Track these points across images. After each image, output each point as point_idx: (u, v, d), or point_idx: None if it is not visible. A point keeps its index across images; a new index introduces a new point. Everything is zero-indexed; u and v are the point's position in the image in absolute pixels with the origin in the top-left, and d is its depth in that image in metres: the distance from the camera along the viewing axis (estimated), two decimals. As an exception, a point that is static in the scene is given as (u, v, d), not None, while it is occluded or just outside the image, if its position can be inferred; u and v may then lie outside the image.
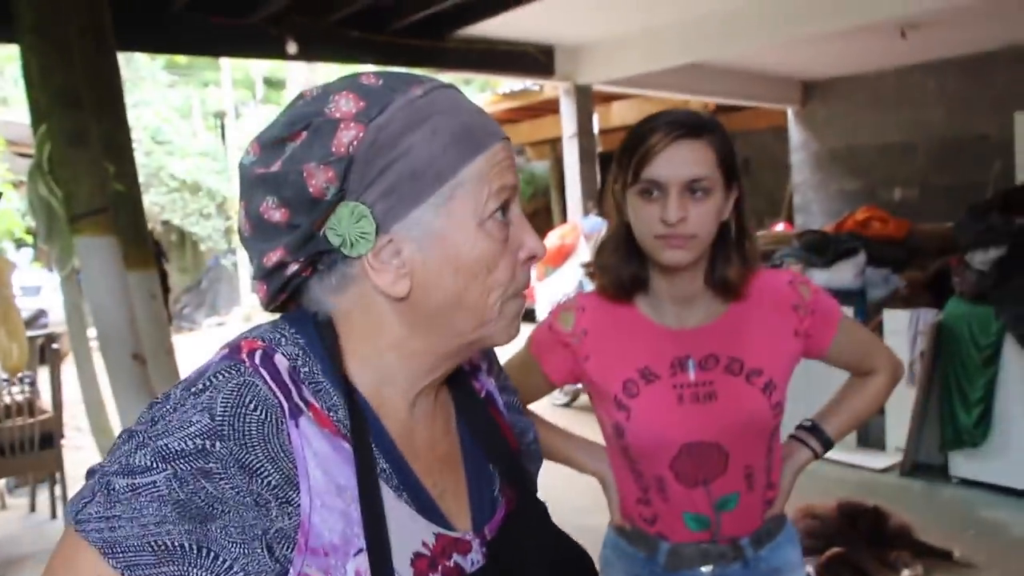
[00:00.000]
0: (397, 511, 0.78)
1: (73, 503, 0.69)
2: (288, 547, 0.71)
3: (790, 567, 1.57)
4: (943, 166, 8.39)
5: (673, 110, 1.41)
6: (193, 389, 0.72)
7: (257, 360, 0.75)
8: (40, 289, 11.69)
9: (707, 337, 1.47)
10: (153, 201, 14.47)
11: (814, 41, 6.88)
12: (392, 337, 0.81)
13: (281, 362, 0.77)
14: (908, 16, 6.13)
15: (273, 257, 0.78)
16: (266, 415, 0.72)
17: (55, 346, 4.61)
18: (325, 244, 0.77)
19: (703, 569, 1.50)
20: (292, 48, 5.99)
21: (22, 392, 4.44)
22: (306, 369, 0.78)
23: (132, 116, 4.12)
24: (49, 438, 4.46)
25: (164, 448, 0.68)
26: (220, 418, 0.70)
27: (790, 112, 9.57)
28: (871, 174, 8.99)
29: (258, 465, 0.70)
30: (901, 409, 4.81)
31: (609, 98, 10.24)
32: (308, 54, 6.37)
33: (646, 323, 1.50)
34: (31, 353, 4.66)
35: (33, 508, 4.96)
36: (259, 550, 0.70)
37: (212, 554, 0.68)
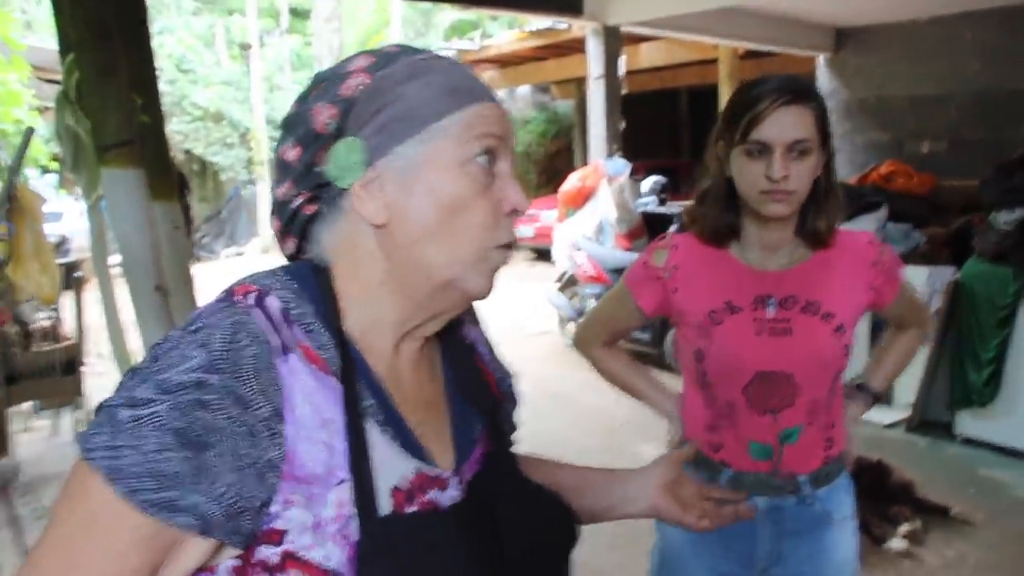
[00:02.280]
0: (380, 445, 0.84)
1: (82, 435, 0.74)
2: (275, 475, 0.76)
3: (842, 513, 1.69)
4: (976, 121, 8.24)
5: (777, 76, 1.55)
6: (190, 328, 0.78)
7: (251, 301, 0.81)
8: (62, 215, 11.79)
9: (789, 280, 1.63)
10: (175, 130, 14.49)
11: (848, -12, 6.73)
12: (376, 273, 0.88)
13: (273, 303, 0.83)
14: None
15: (282, 190, 0.89)
16: (258, 350, 0.77)
17: (78, 273, 4.69)
18: (324, 177, 0.86)
19: (760, 500, 1.63)
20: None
21: (48, 318, 4.53)
22: (298, 311, 0.84)
23: (155, 44, 4.12)
24: (72, 364, 4.56)
25: (165, 381, 0.74)
26: (216, 352, 0.76)
27: (821, 60, 9.40)
28: (900, 126, 8.85)
29: (251, 397, 0.76)
30: (912, 366, 4.82)
31: (638, 39, 10.09)
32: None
33: (734, 263, 1.66)
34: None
35: (56, 431, 5.11)
36: (251, 477, 0.75)
37: (209, 479, 0.73)
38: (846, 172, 8.69)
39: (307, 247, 0.91)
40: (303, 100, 0.89)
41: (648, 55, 10.93)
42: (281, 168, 0.89)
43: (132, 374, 0.77)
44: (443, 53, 0.95)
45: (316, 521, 0.78)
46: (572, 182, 7.34)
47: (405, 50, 0.90)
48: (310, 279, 0.88)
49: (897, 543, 3.52)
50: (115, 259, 3.71)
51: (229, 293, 0.83)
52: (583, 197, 7.19)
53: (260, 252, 15.19)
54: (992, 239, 4.65)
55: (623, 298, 1.78)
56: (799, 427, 1.61)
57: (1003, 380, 4.56)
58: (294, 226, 0.90)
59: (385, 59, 0.88)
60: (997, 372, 4.56)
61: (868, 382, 1.83)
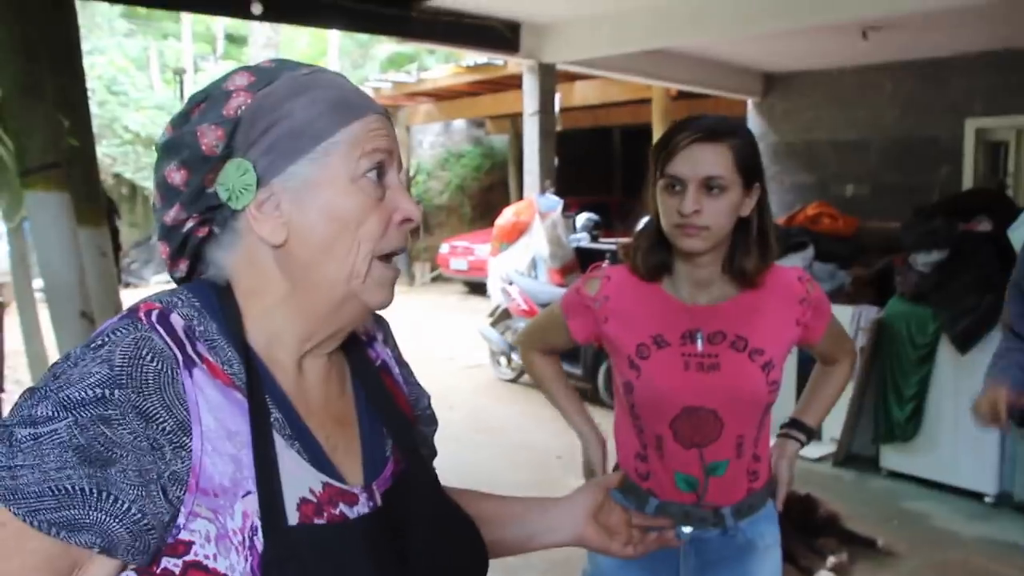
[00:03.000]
0: (287, 458, 0.83)
1: None
2: (180, 489, 0.76)
3: (765, 542, 1.71)
4: (894, 166, 8.56)
5: (705, 116, 1.60)
6: (92, 345, 0.78)
7: (153, 318, 0.82)
8: (-18, 237, 11.40)
9: (718, 315, 1.64)
10: (105, 153, 14.15)
11: (778, 35, 6.96)
12: (276, 292, 0.89)
13: (176, 321, 0.83)
14: (871, 18, 6.23)
15: (171, 214, 0.87)
16: (162, 366, 0.77)
17: (-1, 298, 4.53)
18: (215, 199, 0.85)
19: (685, 529, 1.65)
20: (257, 9, 5.89)
21: (-37, 343, 4.36)
22: (201, 328, 0.84)
23: (86, 64, 4.02)
24: (-11, 390, 4.40)
25: (66, 398, 0.73)
26: (118, 368, 0.75)
27: (750, 103, 9.68)
28: (825, 169, 9.15)
29: (154, 411, 0.75)
30: (838, 402, 4.94)
31: (573, 77, 10.25)
32: (273, 15, 6.28)
33: (664, 297, 1.68)
34: (-26, 304, 4.58)
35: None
36: (155, 492, 0.75)
37: (112, 496, 0.72)
38: (775, 212, 8.91)
39: (202, 268, 0.92)
40: (182, 122, 0.87)
41: (582, 93, 11.11)
42: (167, 192, 0.87)
43: (31, 393, 0.76)
44: (326, 68, 0.94)
45: (221, 532, 0.78)
46: (506, 217, 7.39)
47: (284, 65, 0.90)
48: (211, 297, 0.88)
49: (825, 575, 3.57)
50: (38, 283, 3.60)
51: (133, 311, 0.83)
52: (517, 232, 7.24)
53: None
54: (912, 280, 4.80)
55: (557, 319, 1.81)
56: (726, 461, 1.64)
57: (925, 415, 4.69)
58: (186, 249, 0.90)
59: (266, 76, 0.88)
60: (919, 408, 4.69)
61: (802, 419, 1.84)
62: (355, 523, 0.86)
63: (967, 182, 7.91)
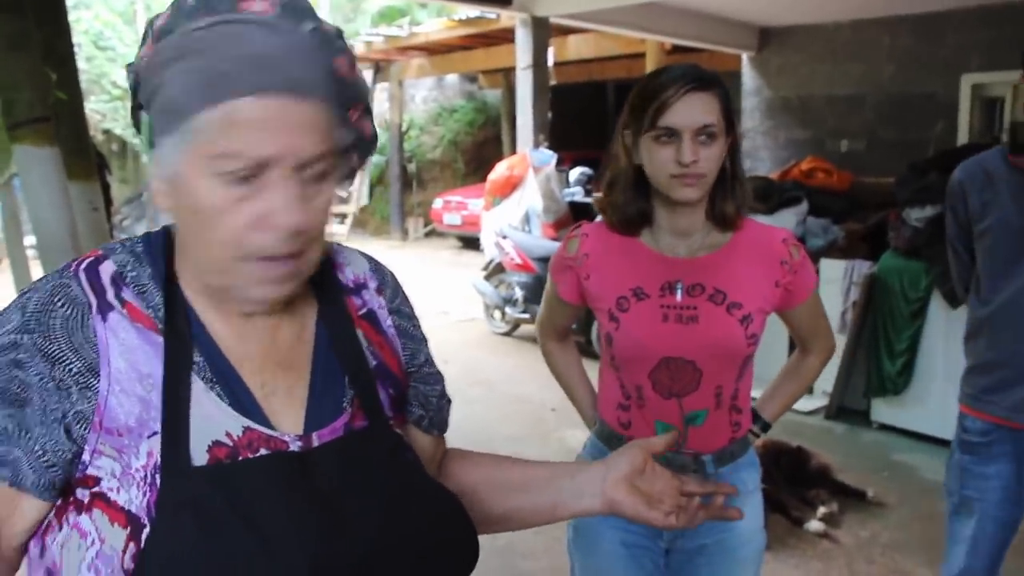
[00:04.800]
0: (205, 402, 0.83)
1: None
2: (85, 427, 0.79)
3: (746, 488, 1.72)
4: (890, 121, 8.52)
5: (679, 64, 1.60)
6: (22, 293, 0.83)
7: (81, 267, 0.85)
8: (-28, 194, 11.31)
9: (697, 267, 1.65)
10: (94, 109, 14.01)
11: (772, -12, 6.88)
12: (190, 251, 0.86)
13: (107, 268, 0.85)
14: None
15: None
16: (71, 311, 0.81)
17: (-10, 254, 4.51)
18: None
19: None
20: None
21: (-45, 299, 4.35)
22: (133, 273, 0.86)
23: (72, 19, 3.96)
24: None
25: None
26: (29, 314, 0.80)
27: (745, 58, 9.59)
28: (820, 124, 9.09)
29: (60, 354, 0.79)
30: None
31: (566, 31, 10.14)
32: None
33: (644, 250, 1.69)
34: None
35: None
36: (57, 430, 0.79)
37: (28, 434, 0.78)
38: (768, 167, 8.89)
39: None
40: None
41: (576, 47, 10.99)
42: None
43: None
44: (246, 12, 0.79)
45: (125, 469, 0.80)
46: (499, 171, 7.35)
47: (197, 9, 0.79)
48: (157, 244, 0.89)
49: (815, 525, 3.63)
50: (30, 240, 3.58)
51: (75, 260, 0.86)
52: (510, 186, 7.21)
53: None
54: (906, 235, 4.80)
55: (551, 290, 1.84)
56: (704, 411, 1.66)
57: (916, 369, 4.74)
58: None
59: (173, 22, 0.80)
60: (910, 362, 4.73)
61: (760, 412, 1.84)
62: (266, 460, 0.83)
63: (963, 138, 7.87)
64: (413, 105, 16.22)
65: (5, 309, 0.82)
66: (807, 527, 3.63)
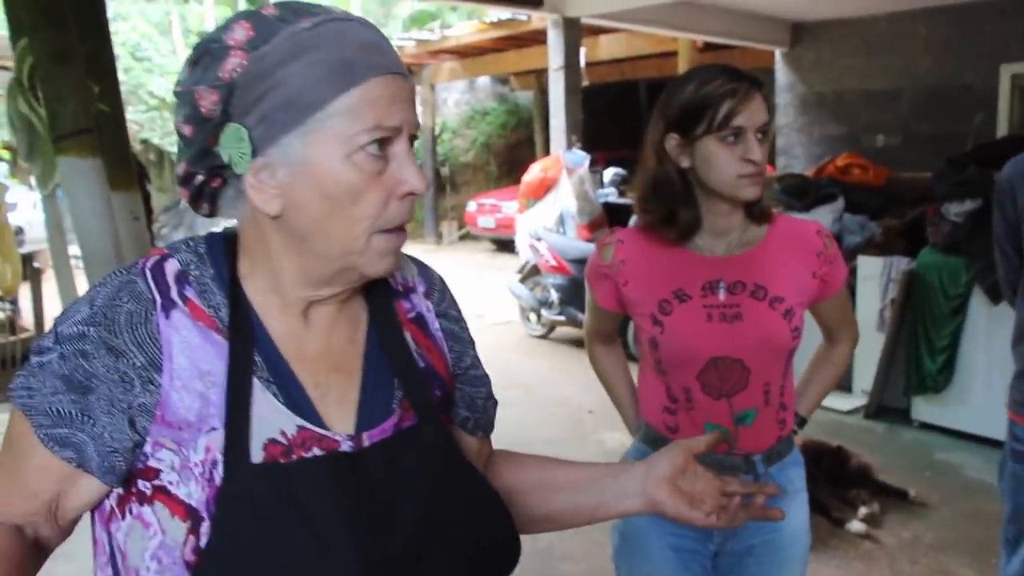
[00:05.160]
0: (262, 400, 0.86)
1: (15, 375, 0.87)
2: (147, 419, 0.84)
3: (795, 487, 1.74)
4: (927, 115, 8.40)
5: (718, 65, 1.61)
6: (93, 287, 0.87)
7: (149, 264, 0.88)
8: (16, 205, 11.51)
9: (737, 265, 1.66)
10: (132, 119, 14.21)
11: (804, -17, 6.82)
12: (274, 252, 0.90)
13: (171, 266, 0.89)
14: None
15: (181, 167, 0.90)
16: (136, 307, 0.85)
17: (36, 265, 4.61)
18: (218, 159, 0.86)
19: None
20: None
21: (3, 310, 4.45)
22: (196, 273, 0.89)
23: (110, 31, 4.04)
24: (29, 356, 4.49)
25: (59, 332, 0.84)
26: (96, 308, 0.84)
27: (777, 54, 9.51)
28: (855, 120, 8.99)
29: (124, 348, 0.83)
30: (869, 354, 4.93)
31: (597, 31, 10.12)
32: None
33: (682, 252, 1.69)
34: (12, 271, 4.66)
35: (13, 423, 5.01)
36: (122, 420, 0.83)
37: (91, 420, 0.83)
38: (803, 164, 8.81)
39: (220, 212, 0.94)
40: (188, 71, 0.86)
41: (608, 47, 10.97)
42: (181, 141, 0.89)
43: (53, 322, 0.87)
44: (335, 11, 0.87)
45: (184, 463, 0.84)
46: (533, 173, 7.35)
47: (287, 16, 0.84)
48: (219, 245, 0.92)
49: (856, 525, 3.59)
50: (74, 250, 3.65)
51: (142, 257, 0.90)
52: (544, 188, 7.21)
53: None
54: (945, 230, 4.74)
55: (590, 297, 1.85)
56: (754, 410, 1.67)
57: (957, 367, 4.67)
58: (204, 196, 0.92)
59: (264, 32, 0.83)
60: (951, 359, 4.67)
61: (796, 407, 1.83)
62: (320, 460, 0.87)
63: (1002, 130, 7.74)
64: (445, 108, 16.28)
65: (77, 301, 0.86)
66: (848, 528, 3.59)
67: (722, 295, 1.65)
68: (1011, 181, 2.17)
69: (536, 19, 9.04)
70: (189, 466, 0.84)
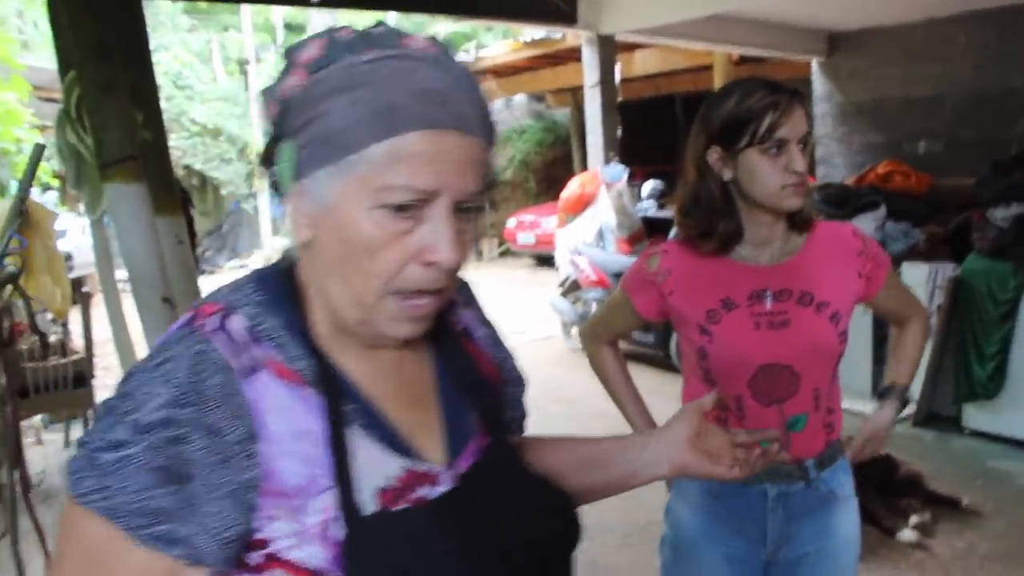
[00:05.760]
0: (364, 448, 0.83)
1: (71, 480, 0.76)
2: (254, 495, 0.78)
3: (844, 491, 1.75)
4: (970, 120, 8.28)
5: (758, 79, 1.63)
6: (155, 362, 0.79)
7: (214, 324, 0.81)
8: (66, 232, 11.78)
9: (780, 273, 1.67)
10: (174, 146, 14.51)
11: (839, -8, 6.78)
12: (321, 285, 0.85)
13: (238, 323, 0.82)
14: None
15: (265, 148, 0.86)
16: (222, 378, 0.78)
17: (84, 288, 4.71)
18: (276, 173, 0.84)
19: (769, 486, 1.68)
20: (315, -4, 5.96)
21: (55, 333, 4.56)
22: (265, 326, 0.83)
23: (153, 61, 4.15)
24: (81, 377, 4.60)
25: (137, 422, 0.75)
26: (179, 387, 0.76)
27: (814, 64, 9.45)
28: (896, 128, 8.89)
29: (219, 425, 0.76)
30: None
31: (632, 47, 10.13)
32: (331, 1, 6.34)
33: (726, 263, 1.71)
34: (64, 296, 4.78)
35: (67, 443, 5.12)
36: (231, 502, 0.76)
37: (195, 511, 0.75)
38: (844, 173, 8.72)
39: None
40: (278, 75, 0.84)
41: (643, 62, 10.97)
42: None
43: (106, 412, 0.78)
44: (409, 47, 0.81)
45: (300, 528, 0.79)
46: (572, 189, 7.37)
47: (356, 44, 0.80)
48: (277, 287, 0.86)
49: (908, 535, 3.53)
50: (121, 274, 3.73)
51: (192, 317, 0.82)
52: (583, 203, 7.22)
53: (264, 263, 15.19)
54: (991, 235, 4.68)
55: (622, 302, 1.84)
56: (805, 415, 1.67)
57: (1008, 373, 4.58)
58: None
59: (330, 55, 0.79)
60: (1002, 365, 4.58)
61: (895, 381, 1.85)
62: (434, 504, 0.85)
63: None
64: (482, 127, 16.35)
65: (143, 381, 0.78)
66: (899, 537, 3.53)
67: (769, 303, 1.66)
68: None
69: (571, 37, 9.07)
70: (306, 531, 0.79)
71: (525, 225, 13.08)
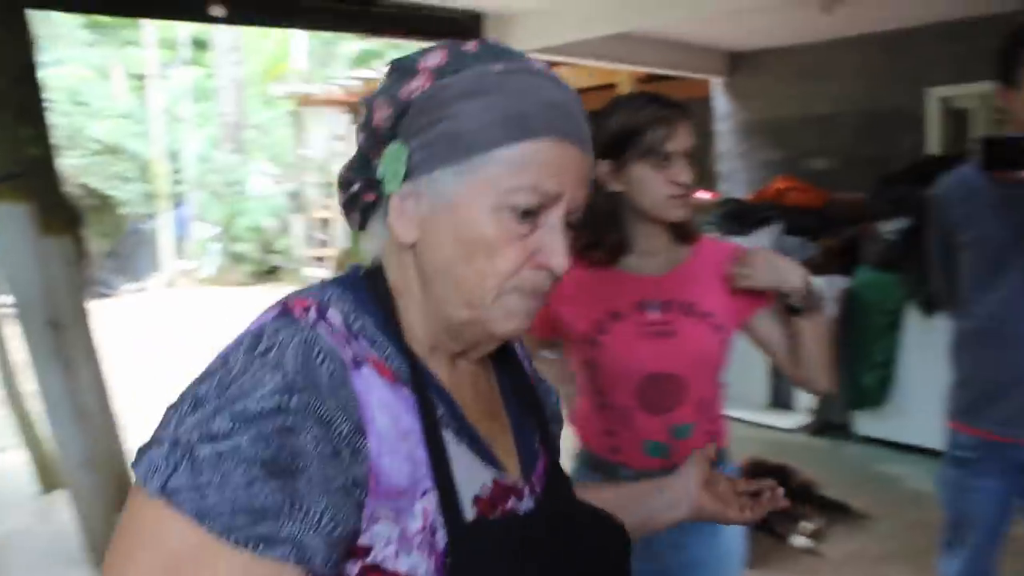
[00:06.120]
0: (458, 455, 0.81)
1: (151, 475, 0.68)
2: (362, 493, 0.74)
3: None
4: (863, 138, 8.59)
5: (646, 93, 1.71)
6: (257, 350, 0.73)
7: (312, 315, 0.79)
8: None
9: (667, 284, 1.71)
10: (72, 164, 14.05)
11: (740, 13, 6.98)
12: (416, 289, 0.85)
13: (335, 317, 0.80)
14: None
15: (343, 171, 0.88)
16: (333, 366, 0.74)
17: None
18: (375, 172, 0.84)
19: None
20: (217, 11, 5.86)
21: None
22: (359, 323, 0.81)
23: (49, 75, 4.03)
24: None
25: (243, 411, 0.69)
26: (293, 373, 0.72)
27: (716, 83, 9.71)
28: (794, 145, 9.17)
29: (331, 415, 0.72)
30: (830, 368, 5.01)
31: (539, 65, 10.23)
32: (235, 18, 6.23)
33: (613, 274, 1.74)
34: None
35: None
36: (340, 497, 0.71)
37: (303, 508, 0.69)
38: (744, 190, 8.97)
39: (366, 235, 0.90)
40: (382, 83, 0.85)
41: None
42: (356, 145, 0.87)
43: (195, 404, 0.71)
44: (534, 64, 0.84)
45: (402, 534, 0.76)
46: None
47: (484, 54, 0.82)
48: (362, 290, 0.85)
49: (800, 540, 3.64)
50: (4, 299, 3.60)
51: (286, 309, 0.80)
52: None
53: (165, 287, 14.80)
54: (879, 248, 4.87)
55: None
56: (692, 423, 1.71)
57: (895, 381, 4.77)
58: (355, 207, 0.89)
59: (456, 63, 0.81)
60: (889, 374, 4.77)
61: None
62: (525, 519, 0.86)
63: (932, 150, 7.97)
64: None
65: (245, 367, 0.72)
66: (792, 542, 3.64)
67: (655, 312, 1.70)
68: (942, 198, 2.25)
69: (477, 55, 9.11)
70: (408, 536, 0.76)
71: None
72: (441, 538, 0.77)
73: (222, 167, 15.83)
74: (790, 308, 1.67)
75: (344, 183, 0.89)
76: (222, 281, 14.65)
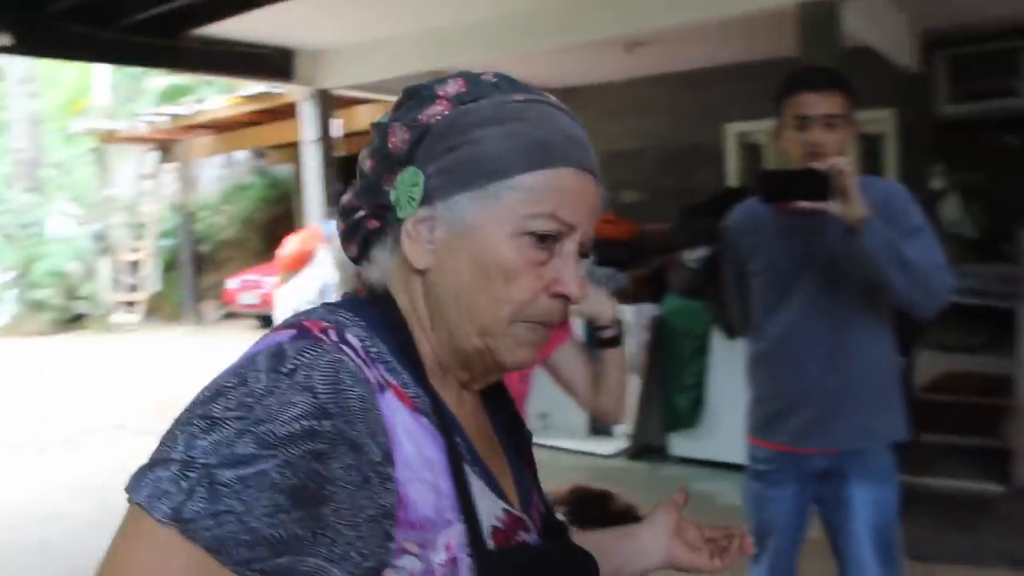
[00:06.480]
0: (475, 486, 0.80)
1: (157, 499, 0.64)
2: (390, 523, 0.71)
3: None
4: (668, 171, 9.07)
5: None
6: (282, 370, 0.69)
7: (334, 338, 0.75)
8: None
9: None
10: None
11: (548, 53, 7.21)
12: (426, 316, 0.84)
13: (355, 340, 0.77)
14: (632, 34, 6.56)
15: (347, 198, 0.87)
16: (362, 390, 0.72)
17: None
18: (385, 198, 0.83)
19: None
20: (5, 40, 5.48)
21: None
22: (375, 349, 0.78)
23: None
24: None
25: (269, 434, 0.65)
26: (323, 396, 0.68)
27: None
28: (604, 178, 9.29)
29: (362, 441, 0.69)
30: (628, 398, 5.17)
31: (355, 102, 10.19)
32: (24, 48, 5.84)
33: None
34: None
35: None
36: (370, 528, 0.69)
37: (328, 539, 0.67)
38: (560, 223, 9.23)
39: (367, 263, 0.88)
40: (393, 110, 0.85)
41: (369, 115, 11.05)
42: (359, 174, 0.86)
43: (210, 425, 0.66)
44: (550, 97, 0.86)
45: (426, 567, 0.74)
46: (289, 247, 7.26)
47: (503, 86, 0.83)
48: (373, 315, 0.83)
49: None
50: None
51: (304, 329, 0.76)
52: (302, 261, 7.11)
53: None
54: (684, 276, 5.11)
55: None
56: None
57: (705, 402, 5.00)
58: (356, 235, 0.88)
59: (477, 92, 0.82)
60: (700, 396, 5.00)
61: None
62: (538, 552, 0.85)
63: (731, 182, 8.49)
64: (203, 184, 15.73)
65: (271, 388, 0.68)
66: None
67: None
68: (732, 229, 2.40)
69: (290, 92, 8.98)
70: (432, 569, 0.74)
71: (248, 285, 12.66)
72: (465, 571, 0.75)
73: (16, 207, 14.76)
74: (602, 340, 1.70)
75: (347, 210, 0.88)
76: (18, 332, 13.57)
